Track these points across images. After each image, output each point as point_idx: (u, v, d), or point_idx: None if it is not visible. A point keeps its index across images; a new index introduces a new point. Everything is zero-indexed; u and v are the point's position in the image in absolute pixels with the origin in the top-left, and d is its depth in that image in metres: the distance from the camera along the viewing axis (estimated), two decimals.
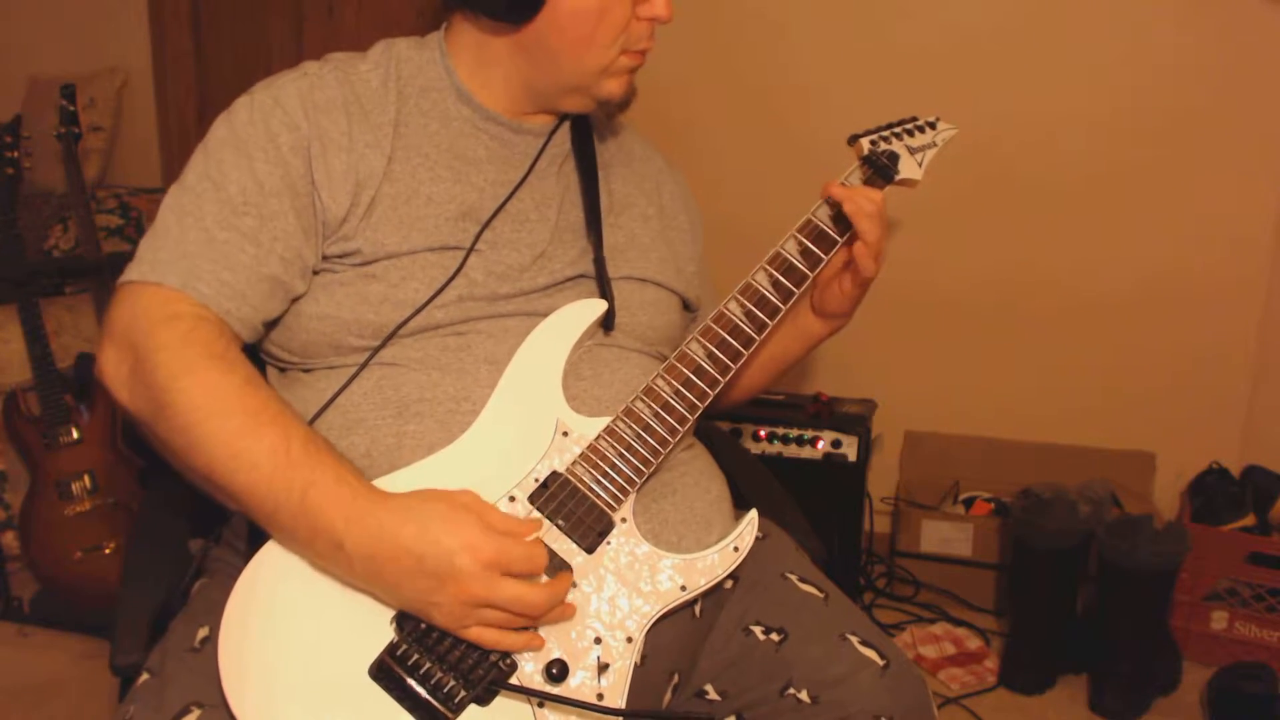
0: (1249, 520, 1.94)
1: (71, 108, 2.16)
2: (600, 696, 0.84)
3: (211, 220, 0.93)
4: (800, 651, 0.97)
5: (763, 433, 2.02)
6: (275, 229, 0.94)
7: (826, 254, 1.07)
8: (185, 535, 1.10)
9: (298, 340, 0.99)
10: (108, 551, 2.00)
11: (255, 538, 0.90)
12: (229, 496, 0.85)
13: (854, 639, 0.97)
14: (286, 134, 0.96)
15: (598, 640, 0.86)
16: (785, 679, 0.95)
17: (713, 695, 0.99)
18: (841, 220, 1.07)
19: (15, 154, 2.10)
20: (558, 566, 0.86)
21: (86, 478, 2.02)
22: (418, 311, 0.96)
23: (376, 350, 0.96)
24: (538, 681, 0.84)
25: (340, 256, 0.98)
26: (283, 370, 1.03)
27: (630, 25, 1.01)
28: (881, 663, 0.96)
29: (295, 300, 0.98)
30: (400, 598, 0.82)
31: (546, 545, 0.86)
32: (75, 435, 2.03)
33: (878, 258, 1.09)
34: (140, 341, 0.87)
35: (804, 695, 0.94)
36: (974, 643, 2.00)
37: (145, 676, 0.89)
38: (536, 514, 0.88)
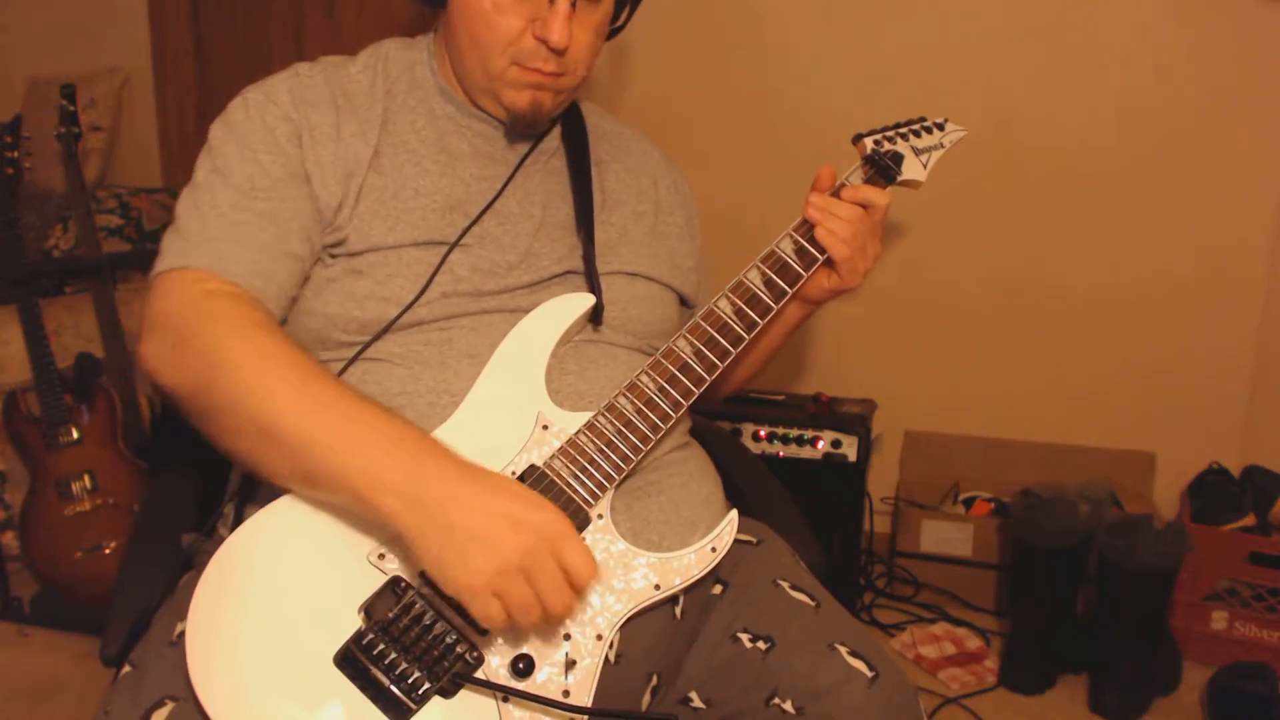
0: (1249, 520, 1.93)
1: (71, 108, 2.16)
2: (566, 694, 0.83)
3: (228, 206, 0.95)
4: (787, 661, 0.95)
5: (763, 433, 2.02)
6: (289, 209, 0.96)
7: (821, 254, 1.07)
8: (184, 531, 1.09)
9: None
10: (108, 551, 2.00)
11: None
12: (286, 442, 0.83)
13: (843, 649, 0.95)
14: (282, 125, 0.99)
15: (567, 636, 0.85)
16: (771, 688, 0.93)
17: (697, 703, 0.97)
18: None
19: (15, 154, 2.11)
20: None
21: (86, 478, 2.03)
22: (405, 310, 0.96)
23: (365, 347, 0.97)
24: (503, 676, 0.83)
25: (332, 246, 1.00)
26: None
27: (522, 39, 1.00)
28: (870, 674, 0.93)
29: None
30: (448, 543, 0.78)
31: None
32: (75, 435, 2.04)
33: (858, 273, 1.10)
34: (183, 320, 0.89)
35: (789, 706, 0.92)
36: (974, 643, 1.99)
37: (127, 669, 0.89)
38: None
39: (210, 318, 0.88)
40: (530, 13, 0.99)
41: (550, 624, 0.83)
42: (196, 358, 0.87)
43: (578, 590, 0.81)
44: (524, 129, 1.07)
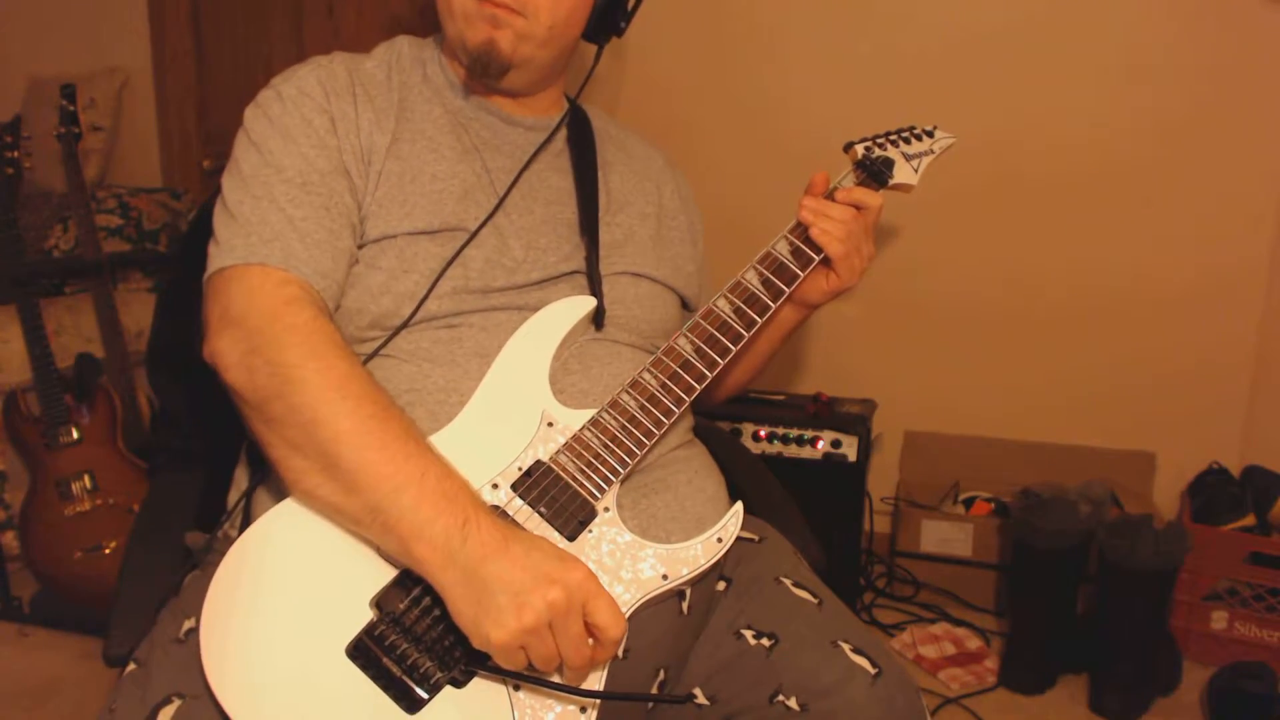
0: (1249, 520, 1.93)
1: (71, 108, 2.17)
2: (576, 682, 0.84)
3: (285, 200, 0.95)
4: (791, 658, 0.95)
5: (763, 433, 2.02)
6: (339, 203, 0.98)
7: (817, 255, 1.08)
8: (184, 530, 1.10)
9: None
10: (108, 551, 2.00)
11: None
12: (341, 472, 0.83)
13: (846, 646, 0.95)
14: (318, 118, 1.00)
15: None
16: (774, 685, 0.93)
17: (701, 699, 0.98)
18: None
19: (15, 154, 2.11)
20: None
21: (86, 478, 2.03)
22: (420, 306, 0.98)
23: (379, 347, 0.98)
24: None
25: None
26: None
27: None
28: (873, 671, 0.93)
29: None
30: (482, 591, 0.79)
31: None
32: (75, 435, 2.04)
33: (855, 271, 1.11)
34: (264, 325, 0.88)
35: (793, 703, 0.92)
36: (974, 643, 2.00)
37: (132, 667, 0.90)
38: (519, 501, 0.89)
39: (289, 329, 0.88)
40: None
41: (569, 673, 0.83)
42: (269, 368, 0.86)
43: (605, 646, 0.81)
44: (481, 72, 1.06)
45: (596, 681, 0.84)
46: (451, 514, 0.81)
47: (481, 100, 1.11)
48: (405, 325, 0.98)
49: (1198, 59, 2.00)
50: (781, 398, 2.15)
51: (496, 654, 0.79)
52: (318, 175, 0.97)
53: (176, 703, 0.82)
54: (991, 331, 2.21)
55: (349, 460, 0.83)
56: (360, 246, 1.00)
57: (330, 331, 0.90)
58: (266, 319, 0.89)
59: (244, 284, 0.91)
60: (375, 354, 0.98)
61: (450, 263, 0.99)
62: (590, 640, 0.81)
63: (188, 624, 0.89)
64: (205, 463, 1.15)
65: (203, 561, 1.02)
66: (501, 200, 1.05)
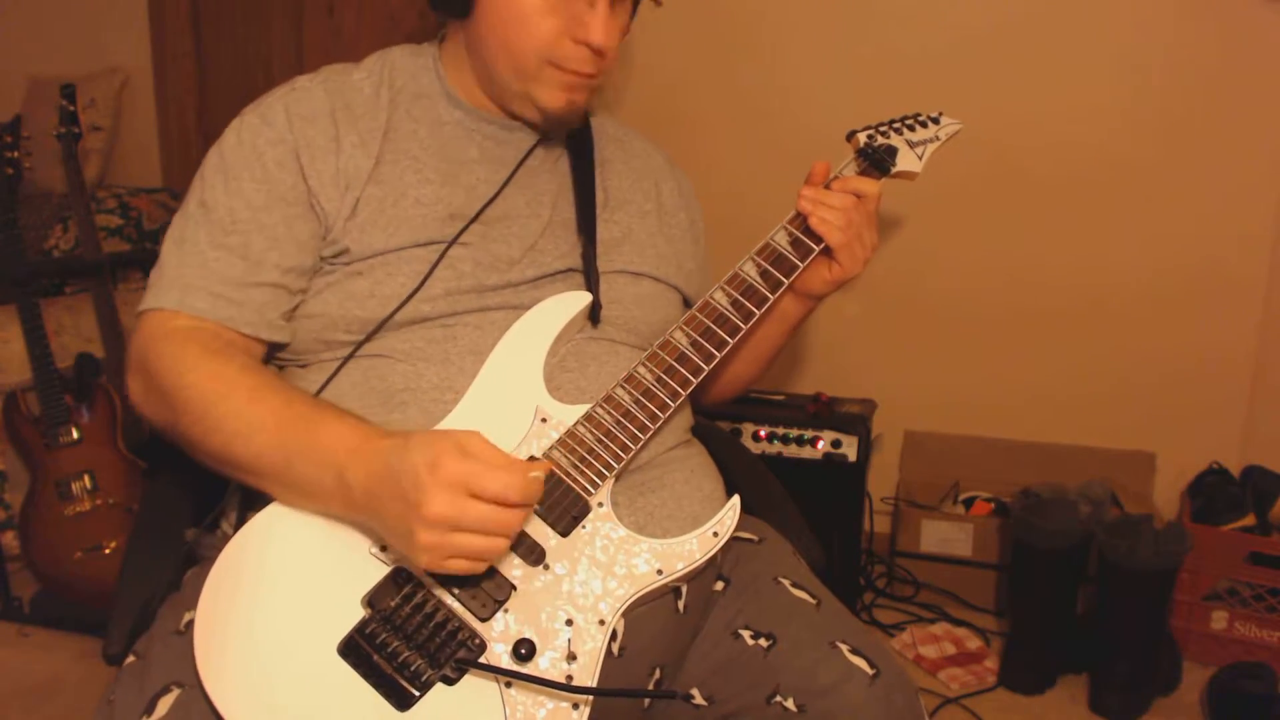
0: (1249, 520, 1.93)
1: (71, 108, 2.17)
2: (569, 678, 0.83)
3: (205, 243, 0.98)
4: (789, 658, 0.95)
5: (763, 433, 2.02)
6: (266, 240, 0.98)
7: (817, 245, 1.08)
8: (184, 529, 1.10)
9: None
10: (108, 551, 2.00)
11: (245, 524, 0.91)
12: (246, 469, 0.88)
13: (844, 647, 0.95)
14: (272, 150, 1.00)
15: (569, 622, 0.85)
16: (772, 686, 0.93)
17: (699, 700, 0.97)
18: None
19: (15, 154, 2.11)
20: (530, 549, 0.87)
21: (86, 478, 2.03)
22: (402, 305, 0.98)
23: (359, 345, 0.99)
24: (506, 661, 0.83)
25: (332, 257, 1.01)
26: (281, 367, 1.06)
27: (561, 43, 1.01)
28: (871, 672, 0.93)
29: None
30: (391, 530, 0.80)
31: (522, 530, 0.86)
32: (75, 435, 2.04)
33: (858, 260, 1.11)
34: (148, 359, 0.94)
35: (790, 704, 0.92)
36: (974, 643, 2.00)
37: (132, 659, 0.90)
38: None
39: (169, 354, 0.93)
40: (568, 13, 1.00)
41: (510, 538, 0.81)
42: (161, 396, 0.93)
43: (521, 501, 0.78)
44: (557, 127, 1.09)
45: (589, 679, 0.84)
46: (327, 466, 0.83)
47: (480, 111, 1.09)
48: (389, 320, 0.98)
49: (1198, 58, 2.00)
50: (781, 398, 2.15)
51: (436, 569, 0.79)
52: (249, 213, 0.98)
53: (176, 691, 0.82)
54: (992, 331, 2.21)
55: (245, 454, 0.87)
56: (339, 264, 1.00)
57: (202, 340, 0.94)
58: (150, 353, 0.94)
59: (145, 330, 0.96)
60: (351, 356, 0.99)
61: (435, 265, 0.99)
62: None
63: (188, 616, 0.89)
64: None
65: (200, 558, 1.02)
66: (489, 202, 1.04)
